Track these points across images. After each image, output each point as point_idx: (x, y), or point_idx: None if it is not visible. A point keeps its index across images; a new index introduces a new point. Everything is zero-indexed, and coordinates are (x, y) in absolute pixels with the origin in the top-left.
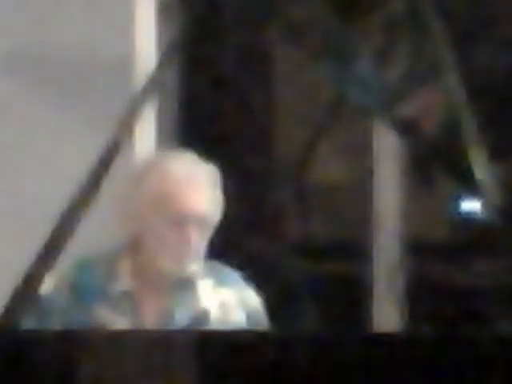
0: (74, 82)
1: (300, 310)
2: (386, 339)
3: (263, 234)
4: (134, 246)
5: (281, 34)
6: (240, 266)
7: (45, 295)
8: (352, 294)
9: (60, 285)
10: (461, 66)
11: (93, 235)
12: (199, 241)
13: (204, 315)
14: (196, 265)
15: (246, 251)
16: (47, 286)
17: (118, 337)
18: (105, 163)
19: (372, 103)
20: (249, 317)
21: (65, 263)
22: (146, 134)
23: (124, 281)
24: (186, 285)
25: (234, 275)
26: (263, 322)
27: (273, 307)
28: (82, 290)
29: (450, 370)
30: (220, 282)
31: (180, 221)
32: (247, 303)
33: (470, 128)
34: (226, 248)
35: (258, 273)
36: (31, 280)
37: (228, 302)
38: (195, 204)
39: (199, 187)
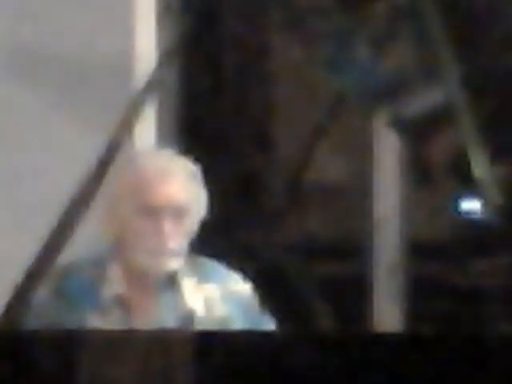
0: (74, 81)
1: (300, 310)
2: (386, 339)
3: (263, 233)
4: (121, 249)
5: (281, 21)
6: (239, 266)
7: (33, 304)
8: (352, 294)
9: (47, 293)
10: (461, 66)
11: (92, 235)
12: (176, 234)
13: (190, 315)
14: (176, 262)
15: (246, 251)
16: (36, 294)
17: (117, 337)
18: (105, 163)
19: (368, 93)
20: (242, 306)
21: (50, 270)
22: (145, 134)
23: (115, 285)
24: (170, 285)
25: (218, 269)
26: (256, 308)
27: (272, 307)
28: (70, 296)
29: (450, 369)
30: (203, 278)
31: (152, 212)
32: (236, 294)
33: (470, 128)
34: (226, 248)
35: (257, 272)
36: (31, 280)
37: (211, 297)
38: (167, 194)
39: (172, 179)
